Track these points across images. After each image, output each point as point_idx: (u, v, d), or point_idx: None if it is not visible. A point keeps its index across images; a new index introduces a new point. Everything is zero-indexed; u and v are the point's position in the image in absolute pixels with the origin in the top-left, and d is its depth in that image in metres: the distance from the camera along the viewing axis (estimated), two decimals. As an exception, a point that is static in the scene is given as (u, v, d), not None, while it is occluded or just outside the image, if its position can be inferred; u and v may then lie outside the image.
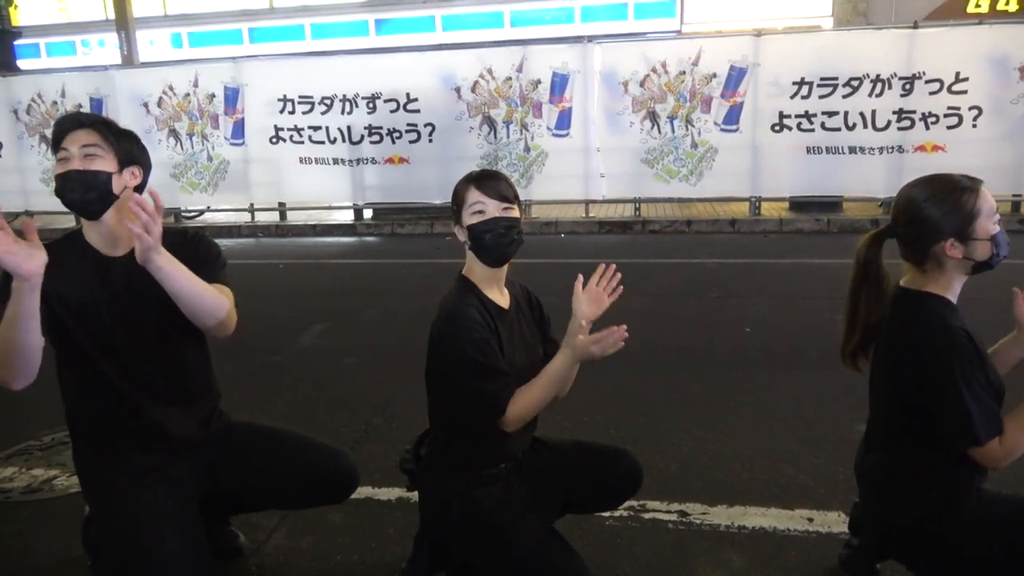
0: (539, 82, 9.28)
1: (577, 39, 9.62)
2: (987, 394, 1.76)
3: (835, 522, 2.51)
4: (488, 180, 1.93)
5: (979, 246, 1.81)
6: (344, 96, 9.73)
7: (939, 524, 1.86)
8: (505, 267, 2.01)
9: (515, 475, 2.04)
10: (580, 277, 1.92)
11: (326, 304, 6.00)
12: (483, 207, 1.90)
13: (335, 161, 9.98)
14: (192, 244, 2.05)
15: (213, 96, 10.12)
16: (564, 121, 9.34)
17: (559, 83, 9.25)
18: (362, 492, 2.78)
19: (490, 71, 9.38)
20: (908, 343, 1.85)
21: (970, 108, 8.39)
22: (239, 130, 10.14)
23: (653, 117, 9.12)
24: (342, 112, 9.78)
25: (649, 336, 4.67)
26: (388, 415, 3.62)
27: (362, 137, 9.83)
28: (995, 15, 12.73)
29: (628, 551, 2.42)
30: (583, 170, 9.40)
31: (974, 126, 8.41)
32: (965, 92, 8.35)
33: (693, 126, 9.06)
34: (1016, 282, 2.05)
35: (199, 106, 10.20)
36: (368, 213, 10.54)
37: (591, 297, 1.92)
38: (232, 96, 10.07)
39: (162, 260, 1.74)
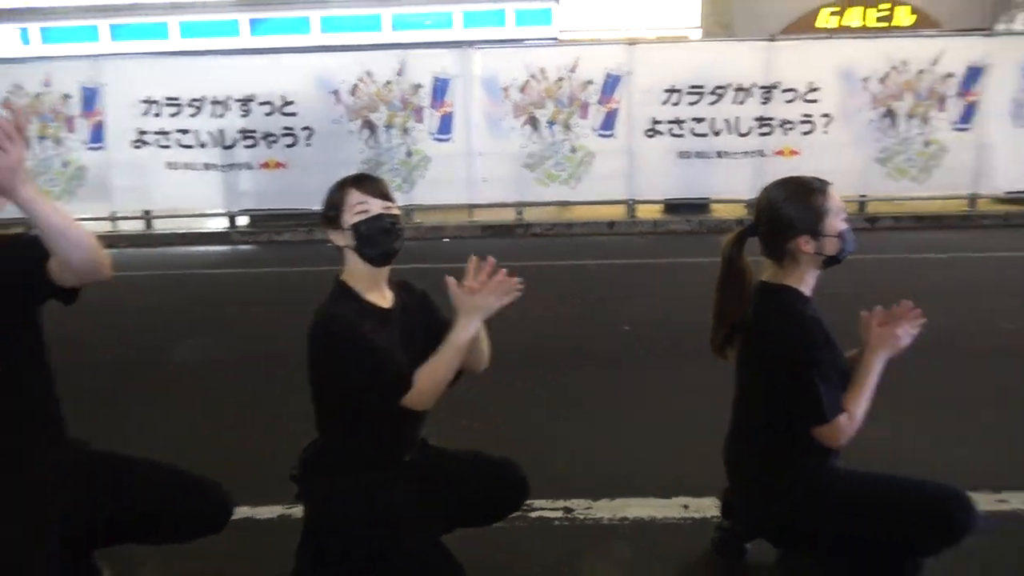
0: (420, 86, 9.25)
1: (457, 44, 9.66)
2: (834, 377, 1.92)
3: (708, 507, 2.63)
4: (368, 181, 1.97)
5: (829, 242, 1.97)
6: (215, 98, 9.32)
7: (800, 503, 2.00)
8: (387, 268, 2.01)
9: (405, 478, 2.03)
10: (450, 279, 1.87)
11: (200, 316, 5.72)
12: (367, 206, 1.92)
13: (206, 166, 9.54)
14: (16, 241, 1.86)
15: (68, 97, 9.43)
16: (446, 126, 9.36)
17: (440, 88, 9.26)
18: (240, 512, 2.67)
19: (370, 74, 9.26)
20: (766, 332, 1.99)
21: (822, 115, 9.09)
22: (98, 133, 9.49)
23: (533, 122, 9.28)
24: (213, 115, 9.36)
25: (533, 338, 4.74)
26: (268, 429, 3.48)
27: (235, 141, 9.44)
28: (842, 31, 13.82)
29: (518, 550, 2.45)
30: (465, 175, 9.44)
31: (825, 132, 9.11)
32: (817, 101, 9.03)
33: (572, 131, 9.29)
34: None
35: (52, 107, 9.48)
36: (244, 220, 10.14)
37: (472, 293, 1.89)
38: (90, 97, 9.42)
39: (31, 191, 1.56)
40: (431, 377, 1.86)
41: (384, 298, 2.02)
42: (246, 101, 9.34)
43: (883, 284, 5.32)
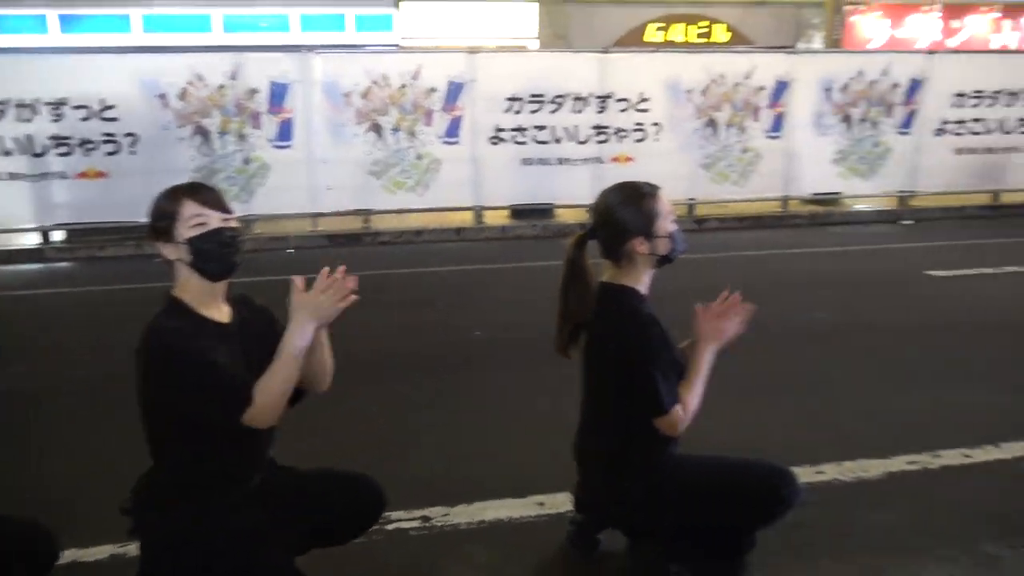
0: (256, 91, 8.85)
1: (295, 48, 9.35)
2: (670, 370, 2.04)
3: (563, 503, 2.71)
4: (205, 191, 1.87)
5: (660, 243, 2.10)
6: (20, 101, 8.42)
7: (639, 504, 2.11)
8: (224, 282, 1.91)
9: (252, 503, 1.93)
10: (297, 279, 1.80)
11: (15, 343, 5.15)
12: (205, 219, 1.82)
13: (12, 176, 8.60)
14: None
15: None
16: (285, 132, 9.01)
17: (278, 92, 8.91)
18: (68, 555, 2.44)
19: (200, 78, 8.74)
20: (606, 330, 2.09)
21: (653, 124, 9.63)
22: None
23: (377, 129, 9.16)
24: (19, 119, 8.46)
25: (383, 346, 4.68)
26: (100, 463, 3.20)
27: (46, 149, 8.59)
28: (667, 45, 14.76)
29: (375, 563, 2.40)
30: (308, 182, 9.15)
31: (656, 140, 9.67)
32: (648, 111, 9.58)
33: (417, 138, 9.26)
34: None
35: None
36: (59, 235, 9.24)
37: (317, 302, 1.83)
38: None
39: None
40: (266, 391, 1.77)
41: (221, 312, 1.93)
42: (58, 105, 8.51)
43: (712, 280, 5.63)
